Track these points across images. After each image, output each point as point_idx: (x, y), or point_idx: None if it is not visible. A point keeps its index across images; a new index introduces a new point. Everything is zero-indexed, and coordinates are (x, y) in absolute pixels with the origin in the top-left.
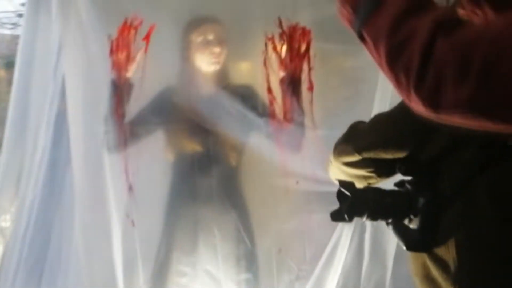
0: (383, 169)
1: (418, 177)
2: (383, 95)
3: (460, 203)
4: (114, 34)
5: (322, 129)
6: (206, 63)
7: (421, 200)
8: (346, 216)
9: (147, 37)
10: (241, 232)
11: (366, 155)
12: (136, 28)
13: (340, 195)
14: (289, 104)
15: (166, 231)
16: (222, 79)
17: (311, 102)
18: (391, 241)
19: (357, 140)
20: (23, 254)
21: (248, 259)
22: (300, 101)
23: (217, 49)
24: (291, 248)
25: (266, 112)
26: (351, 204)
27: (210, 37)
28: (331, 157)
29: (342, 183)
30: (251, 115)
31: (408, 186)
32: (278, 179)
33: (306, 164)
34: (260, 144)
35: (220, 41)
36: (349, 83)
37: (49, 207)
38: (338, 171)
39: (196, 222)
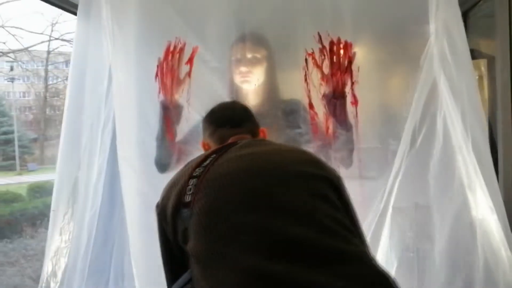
0: None
1: None
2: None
3: None
4: (161, 57)
5: (366, 143)
6: (238, 81)
7: None
8: None
9: (190, 61)
10: None
11: None
12: (180, 52)
13: None
14: (331, 120)
15: None
16: (271, 94)
17: (355, 116)
18: None
19: None
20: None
21: None
22: (346, 115)
23: (243, 69)
24: None
25: (308, 128)
26: None
27: (239, 56)
28: None
29: None
30: (296, 131)
31: None
32: None
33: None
34: None
35: (248, 61)
36: (397, 93)
37: (110, 220)
38: None
39: None
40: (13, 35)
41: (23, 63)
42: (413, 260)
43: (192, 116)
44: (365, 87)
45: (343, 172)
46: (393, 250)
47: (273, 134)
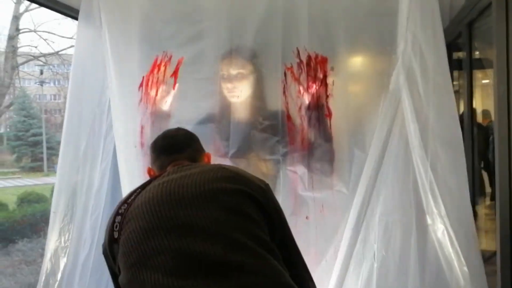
0: None
1: None
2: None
3: None
4: (148, 70)
5: (338, 155)
6: (227, 95)
7: None
8: None
9: (175, 73)
10: None
11: None
12: (166, 65)
13: None
14: (308, 131)
15: None
16: (258, 106)
17: (329, 128)
18: None
19: None
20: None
21: None
22: (325, 127)
23: (228, 85)
24: None
25: (286, 139)
26: None
27: (225, 72)
28: None
29: None
30: (275, 141)
31: None
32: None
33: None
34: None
35: (233, 77)
36: (367, 107)
37: None
38: None
39: None
40: (45, 39)
41: (54, 66)
42: (375, 270)
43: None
44: (339, 100)
45: (319, 182)
46: (365, 260)
47: (257, 145)
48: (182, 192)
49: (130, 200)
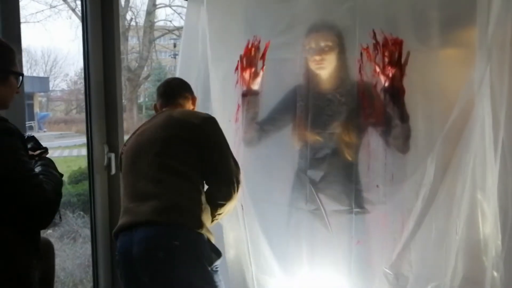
0: None
1: None
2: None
3: None
4: (242, 54)
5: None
6: (314, 68)
7: None
8: None
9: (263, 56)
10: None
11: None
12: (256, 49)
13: None
14: (381, 108)
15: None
16: (343, 76)
17: (404, 106)
18: None
19: None
20: None
21: None
22: (401, 107)
23: (316, 57)
24: None
25: (359, 115)
26: None
27: (313, 45)
28: None
29: None
30: (351, 115)
31: None
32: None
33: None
34: None
35: (321, 49)
36: (442, 88)
37: None
38: None
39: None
40: (178, 13)
41: None
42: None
43: (265, 104)
44: (414, 80)
45: (392, 155)
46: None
47: (338, 116)
48: (141, 145)
49: (126, 142)
